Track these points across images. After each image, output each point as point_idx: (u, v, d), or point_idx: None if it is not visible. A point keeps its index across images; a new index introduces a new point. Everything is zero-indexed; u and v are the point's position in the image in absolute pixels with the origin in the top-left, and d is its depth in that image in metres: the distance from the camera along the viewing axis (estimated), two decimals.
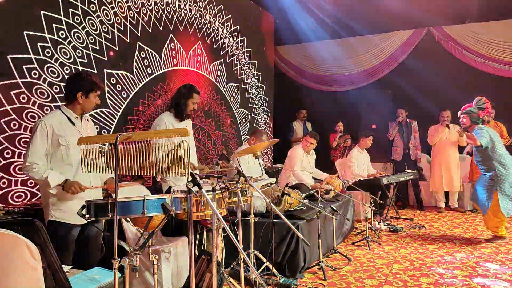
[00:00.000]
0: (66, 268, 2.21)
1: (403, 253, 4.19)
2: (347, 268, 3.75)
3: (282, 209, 3.74)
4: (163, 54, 4.99)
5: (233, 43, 6.72)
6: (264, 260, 3.25)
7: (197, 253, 2.81)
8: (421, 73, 7.44)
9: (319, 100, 8.31)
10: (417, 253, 4.20)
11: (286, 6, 7.85)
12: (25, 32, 3.33)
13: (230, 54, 6.64)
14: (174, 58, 5.21)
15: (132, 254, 1.98)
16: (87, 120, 2.82)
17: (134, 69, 4.54)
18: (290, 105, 8.35)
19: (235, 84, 6.81)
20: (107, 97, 4.17)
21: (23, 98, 3.33)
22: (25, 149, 2.68)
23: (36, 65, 3.42)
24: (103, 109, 4.13)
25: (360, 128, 7.46)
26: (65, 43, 3.68)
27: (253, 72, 7.49)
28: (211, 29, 6.06)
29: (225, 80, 6.50)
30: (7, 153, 3.23)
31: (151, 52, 4.78)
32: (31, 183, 3.38)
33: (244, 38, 7.04)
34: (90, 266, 2.51)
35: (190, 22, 5.57)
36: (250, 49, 7.27)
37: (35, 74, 3.41)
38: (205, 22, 5.90)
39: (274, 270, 3.24)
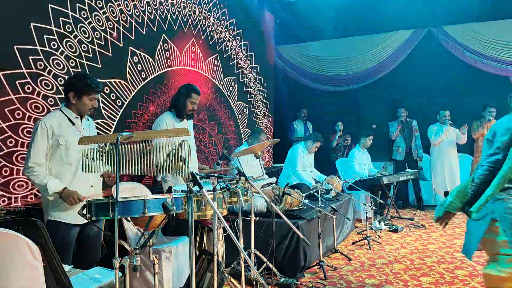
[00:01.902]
0: (67, 267, 2.21)
1: (403, 253, 4.19)
2: (348, 267, 3.75)
3: (283, 208, 3.74)
4: (157, 55, 4.96)
5: (231, 39, 6.72)
6: (265, 259, 3.25)
7: (197, 253, 2.81)
8: (421, 73, 7.44)
9: (319, 99, 8.31)
10: (418, 252, 4.20)
11: (287, 5, 7.86)
12: (15, 47, 3.26)
13: (229, 52, 6.64)
14: (168, 59, 5.17)
15: (133, 253, 1.99)
16: (88, 120, 2.82)
17: (128, 75, 4.50)
18: (290, 105, 8.36)
19: (232, 77, 6.79)
20: (101, 107, 4.13)
21: (18, 114, 3.29)
22: (23, 165, 2.64)
23: (29, 79, 3.35)
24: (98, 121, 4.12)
25: (360, 128, 7.47)
26: (57, 53, 3.60)
27: (253, 70, 7.49)
28: (210, 28, 6.05)
29: (225, 78, 6.50)
30: (5, 171, 3.20)
31: (144, 56, 4.76)
32: (31, 198, 3.36)
33: (241, 33, 7.02)
34: (91, 265, 2.51)
35: (187, 20, 5.56)
36: (248, 43, 7.25)
37: (28, 88, 3.35)
38: (203, 20, 5.90)
39: (274, 269, 3.24)
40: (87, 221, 2.17)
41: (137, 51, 4.57)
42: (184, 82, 4.58)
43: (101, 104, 4.08)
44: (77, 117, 2.67)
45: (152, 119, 4.64)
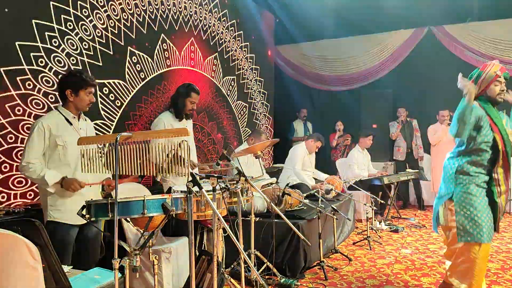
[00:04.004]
0: (66, 268, 2.20)
1: (404, 253, 4.18)
2: (348, 268, 3.74)
3: (283, 209, 3.73)
4: (157, 55, 4.96)
5: (232, 41, 6.71)
6: (265, 260, 3.24)
7: (197, 253, 2.81)
8: (421, 73, 7.44)
9: (319, 99, 8.31)
10: (418, 253, 4.20)
11: (287, 5, 7.85)
12: (17, 43, 3.26)
13: (229, 52, 6.64)
14: (167, 59, 5.17)
15: (133, 254, 1.98)
16: (85, 120, 2.81)
17: (126, 75, 4.50)
18: (290, 105, 8.35)
19: (232, 77, 6.78)
20: (100, 107, 4.14)
21: (18, 110, 3.29)
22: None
23: (30, 76, 3.35)
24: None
25: (360, 128, 7.47)
26: (59, 50, 3.61)
27: (253, 71, 7.48)
28: (211, 28, 6.05)
29: (225, 78, 6.50)
30: (5, 167, 3.20)
31: (143, 56, 4.74)
32: (30, 195, 3.36)
33: (243, 36, 7.02)
34: (90, 266, 2.51)
35: (188, 20, 5.56)
36: (248, 45, 7.25)
37: (29, 84, 3.35)
38: (204, 20, 5.89)
39: (274, 270, 3.23)
40: (86, 221, 2.16)
41: (137, 51, 4.58)
42: (183, 82, 4.58)
43: (99, 104, 4.08)
44: (74, 117, 2.67)
45: (151, 119, 4.64)
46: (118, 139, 1.93)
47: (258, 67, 7.61)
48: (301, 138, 7.43)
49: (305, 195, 4.25)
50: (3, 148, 3.18)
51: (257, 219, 3.55)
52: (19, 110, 3.29)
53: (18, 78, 3.27)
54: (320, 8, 7.67)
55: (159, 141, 2.39)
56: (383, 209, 5.85)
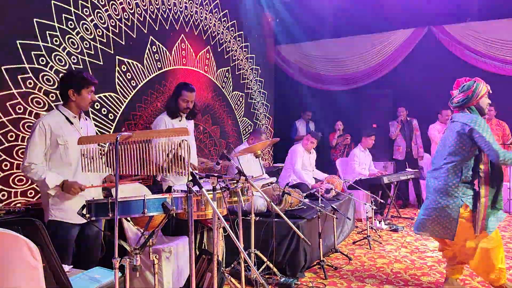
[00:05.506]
0: (66, 268, 2.21)
1: (404, 252, 4.19)
2: (348, 267, 3.74)
3: (283, 208, 3.73)
4: (171, 52, 5.04)
5: (233, 41, 6.71)
6: (265, 259, 3.25)
7: (197, 253, 2.81)
8: (421, 72, 7.43)
9: (319, 99, 8.31)
10: (418, 252, 4.20)
11: (287, 5, 7.85)
12: (18, 41, 3.28)
13: (229, 52, 6.64)
14: (184, 58, 5.24)
15: (133, 253, 1.98)
16: (86, 119, 2.82)
17: (145, 60, 4.55)
18: (290, 105, 8.35)
19: (236, 85, 6.82)
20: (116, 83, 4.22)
21: (19, 108, 3.30)
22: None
23: (31, 74, 3.37)
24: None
25: (360, 128, 7.46)
26: (60, 49, 3.64)
27: (253, 71, 7.48)
28: (211, 28, 6.05)
29: (226, 80, 6.50)
30: (5, 165, 3.21)
31: (161, 47, 4.84)
32: (31, 193, 3.37)
33: (244, 36, 7.03)
34: (91, 265, 2.51)
35: (188, 21, 5.56)
36: (249, 46, 7.26)
37: (30, 83, 3.37)
38: (204, 20, 5.90)
39: (274, 269, 3.24)
40: (86, 221, 2.17)
41: (157, 42, 4.73)
42: (180, 82, 4.62)
43: (116, 79, 4.21)
44: (75, 117, 2.67)
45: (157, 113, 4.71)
46: (118, 139, 1.94)
47: (257, 66, 7.61)
48: (302, 137, 7.42)
49: (305, 194, 4.26)
50: (3, 146, 3.20)
51: (257, 218, 3.56)
52: (20, 108, 3.31)
53: (19, 77, 3.30)
54: (320, 8, 7.67)
55: (159, 141, 2.39)
56: (383, 209, 5.85)
